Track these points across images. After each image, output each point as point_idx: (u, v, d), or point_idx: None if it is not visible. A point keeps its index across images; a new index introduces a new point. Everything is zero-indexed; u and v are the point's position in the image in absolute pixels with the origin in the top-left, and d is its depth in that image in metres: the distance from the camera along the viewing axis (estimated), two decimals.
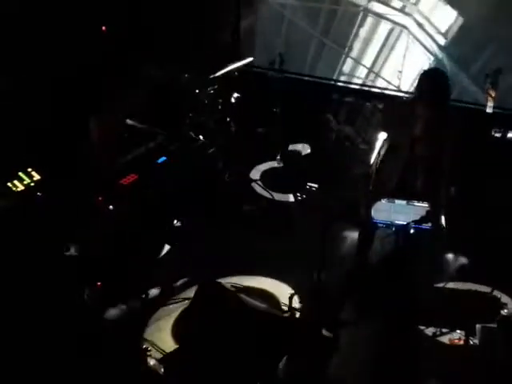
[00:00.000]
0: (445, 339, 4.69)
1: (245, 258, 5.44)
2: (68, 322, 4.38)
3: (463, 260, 5.58)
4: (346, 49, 7.69)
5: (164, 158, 5.41)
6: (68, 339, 4.29)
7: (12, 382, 4.06)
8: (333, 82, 7.73)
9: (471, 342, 4.50)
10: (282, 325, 4.46)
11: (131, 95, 5.89)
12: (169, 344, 4.54)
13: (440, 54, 7.22)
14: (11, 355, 4.13)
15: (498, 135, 6.34)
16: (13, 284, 4.47)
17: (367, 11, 7.54)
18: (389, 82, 7.61)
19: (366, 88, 7.70)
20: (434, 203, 4.64)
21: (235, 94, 6.51)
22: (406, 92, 7.39)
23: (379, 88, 7.61)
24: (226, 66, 6.70)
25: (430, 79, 4.67)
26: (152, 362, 4.21)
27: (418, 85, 4.71)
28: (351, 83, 7.83)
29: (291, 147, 7.17)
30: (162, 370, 4.15)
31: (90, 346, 4.26)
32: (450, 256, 5.58)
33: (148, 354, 4.26)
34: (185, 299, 4.90)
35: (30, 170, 5.01)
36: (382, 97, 7.29)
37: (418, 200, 4.66)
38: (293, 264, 5.33)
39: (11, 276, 4.48)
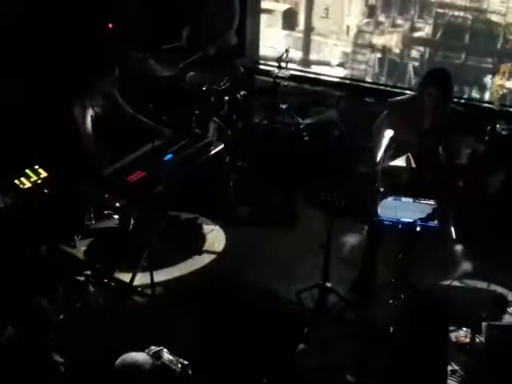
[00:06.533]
0: (451, 337, 4.68)
1: None
2: None
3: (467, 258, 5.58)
4: None
5: (170, 156, 5.39)
6: None
7: None
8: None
9: (477, 340, 4.50)
10: None
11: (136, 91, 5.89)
12: None
13: None
14: None
15: (504, 132, 6.30)
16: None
17: None
18: None
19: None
20: (442, 200, 4.66)
21: (242, 92, 6.50)
22: None
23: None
24: (232, 63, 6.70)
25: (436, 83, 4.73)
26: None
27: (422, 85, 4.79)
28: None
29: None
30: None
31: None
32: (456, 253, 5.57)
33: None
34: None
35: (36, 167, 5.01)
36: None
37: (425, 197, 4.68)
38: None
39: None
